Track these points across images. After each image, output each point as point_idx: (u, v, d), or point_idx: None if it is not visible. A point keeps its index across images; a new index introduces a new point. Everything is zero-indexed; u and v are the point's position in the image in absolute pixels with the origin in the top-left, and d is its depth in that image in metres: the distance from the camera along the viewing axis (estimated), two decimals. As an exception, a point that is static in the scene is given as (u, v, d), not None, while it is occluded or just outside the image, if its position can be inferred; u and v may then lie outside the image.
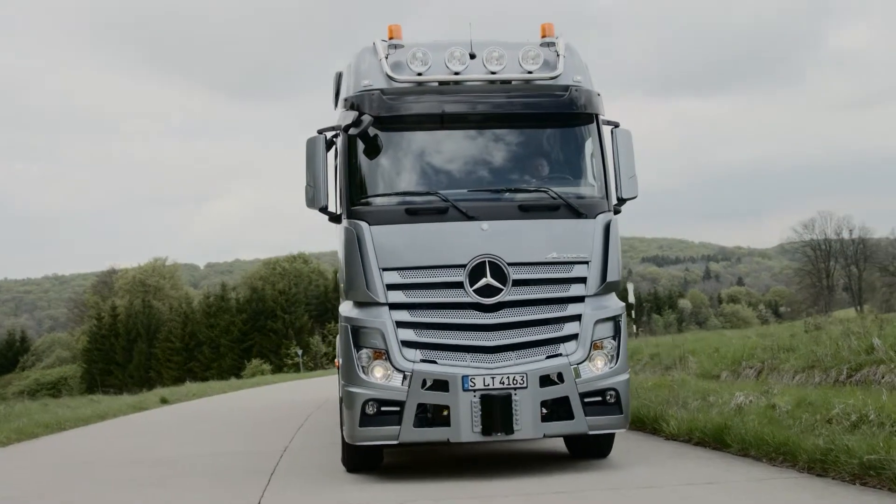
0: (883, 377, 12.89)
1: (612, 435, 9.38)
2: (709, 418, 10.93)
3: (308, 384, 41.07)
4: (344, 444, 9.34)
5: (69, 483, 10.26)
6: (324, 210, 9.19)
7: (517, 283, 8.69)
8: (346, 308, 9.03)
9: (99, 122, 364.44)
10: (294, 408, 22.26)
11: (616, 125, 9.42)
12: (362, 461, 9.41)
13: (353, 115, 8.95)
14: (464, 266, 8.66)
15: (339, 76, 10.39)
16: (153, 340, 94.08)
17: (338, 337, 9.42)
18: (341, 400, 9.18)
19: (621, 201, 9.30)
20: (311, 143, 9.21)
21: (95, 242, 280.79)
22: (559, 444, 10.27)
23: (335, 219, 9.22)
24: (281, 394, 31.42)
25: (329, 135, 9.28)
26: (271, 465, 10.62)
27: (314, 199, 9.11)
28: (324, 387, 35.96)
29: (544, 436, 8.66)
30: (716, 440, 10.09)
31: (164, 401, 27.63)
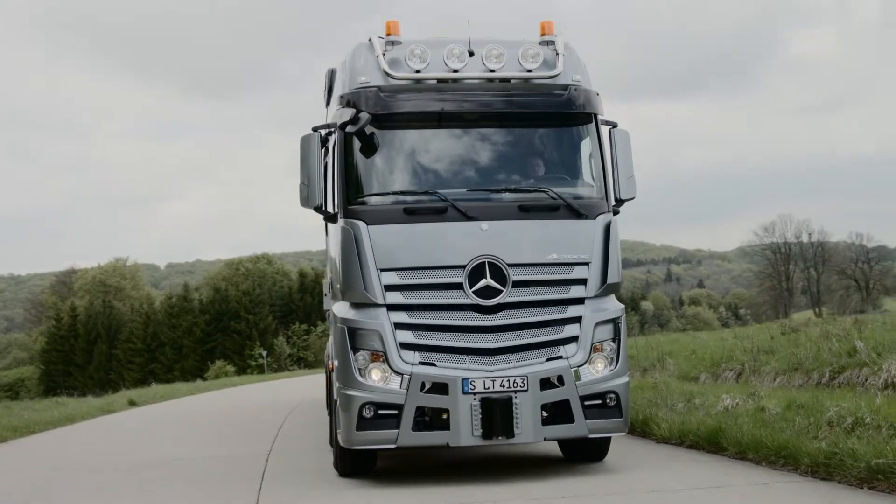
0: (866, 380, 12.96)
1: (609, 438, 9.28)
2: (701, 421, 10.87)
3: (276, 386, 40.69)
4: (337, 447, 9.15)
5: (48, 490, 9.96)
6: (318, 209, 9.00)
7: (517, 284, 8.56)
8: (341, 309, 8.84)
9: (56, 121, 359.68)
10: (267, 410, 21.97)
11: (614, 125, 9.33)
12: (356, 465, 9.22)
13: (350, 112, 8.76)
14: (463, 267, 8.51)
15: (332, 73, 10.21)
16: (114, 341, 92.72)
17: (330, 338, 9.22)
18: (335, 403, 8.99)
19: (619, 202, 9.21)
20: (305, 141, 9.02)
21: (52, 242, 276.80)
22: (552, 447, 10.15)
23: (330, 218, 9.03)
24: (251, 396, 31.04)
25: (323, 132, 9.09)
26: (258, 469, 10.41)
27: (308, 197, 8.92)
28: (294, 388, 35.65)
29: (544, 439, 8.53)
30: (710, 443, 10.03)
31: (132, 403, 27.18)
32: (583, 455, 9.59)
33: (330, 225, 9.25)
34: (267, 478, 9.60)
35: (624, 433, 8.99)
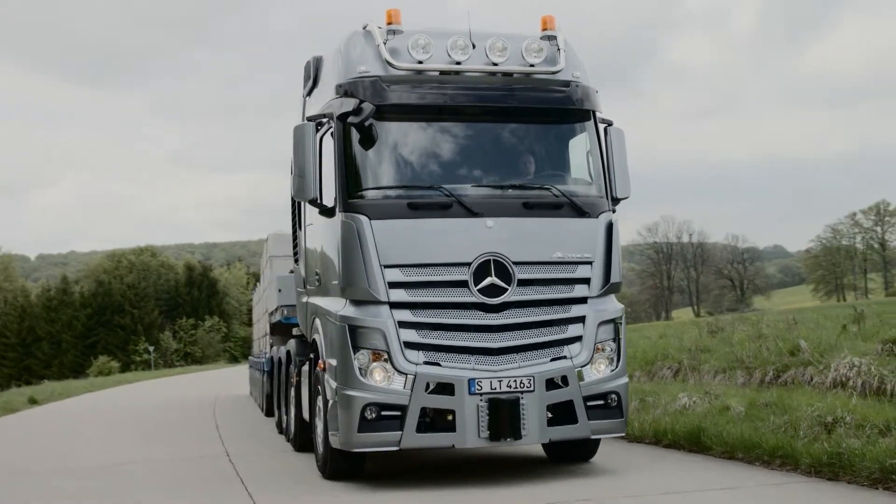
0: (812, 378, 13.27)
1: (599, 439, 9.20)
2: (675, 420, 10.95)
3: (175, 383, 39.66)
4: (326, 449, 8.81)
5: (12, 497, 9.28)
6: (313, 202, 8.65)
7: (522, 282, 8.39)
8: (337, 306, 8.51)
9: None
10: (186, 409, 21.32)
11: (610, 123, 9.27)
12: (345, 468, 8.89)
13: (351, 102, 8.44)
14: (468, 264, 8.30)
15: (318, 61, 9.81)
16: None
17: (324, 336, 8.85)
18: (327, 404, 8.64)
19: (615, 201, 9.16)
20: (298, 131, 8.67)
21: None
22: (532, 449, 10.03)
23: (327, 212, 8.67)
24: (156, 393, 30.09)
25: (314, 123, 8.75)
26: (229, 472, 9.97)
27: (303, 190, 8.58)
28: (197, 385, 34.79)
29: (549, 440, 8.40)
30: (691, 443, 10.09)
31: (33, 401, 25.92)
32: (568, 455, 9.49)
33: (322, 218, 8.87)
34: (247, 482, 9.16)
35: (623, 434, 8.95)
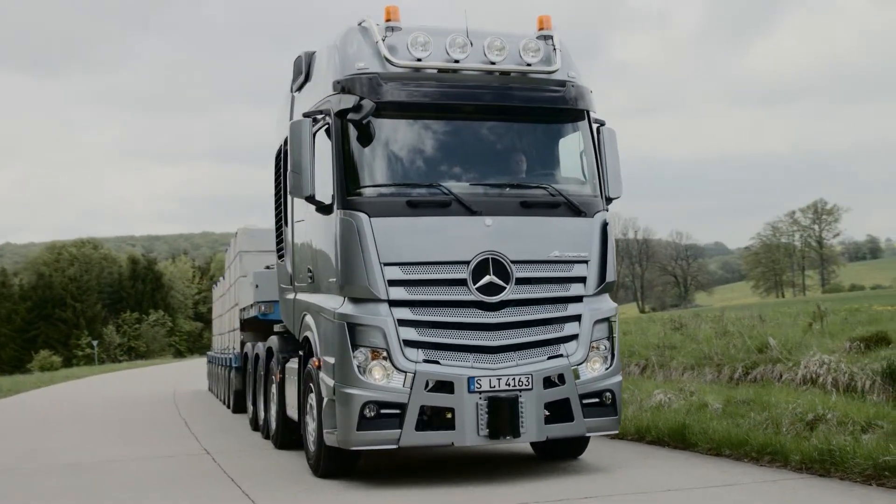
0: (781, 375, 13.54)
1: (589, 436, 9.26)
2: (658, 417, 11.09)
3: (125, 378, 39.13)
4: (321, 448, 8.76)
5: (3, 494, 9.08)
6: (310, 199, 8.59)
7: (520, 281, 8.43)
8: (334, 303, 8.46)
9: None
10: (145, 404, 21.08)
11: (602, 123, 9.34)
12: (339, 466, 8.85)
13: (351, 99, 8.39)
14: (467, 263, 8.31)
15: (310, 57, 9.73)
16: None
17: (319, 333, 8.80)
18: (321, 401, 8.59)
19: (608, 200, 9.24)
20: (296, 127, 8.60)
21: None
22: (521, 447, 10.07)
23: (323, 209, 8.62)
24: (108, 389, 29.64)
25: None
26: (214, 470, 9.87)
27: (299, 187, 8.52)
28: (150, 380, 34.32)
29: (547, 438, 8.45)
30: (676, 440, 10.23)
31: (-18, 397, 25.33)
32: (558, 452, 9.55)
33: (316, 214, 8.81)
34: (238, 480, 9.07)
35: (617, 431, 9.05)
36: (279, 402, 11.03)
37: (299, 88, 10.05)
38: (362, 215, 8.24)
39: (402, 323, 8.17)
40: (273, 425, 11.69)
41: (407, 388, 8.08)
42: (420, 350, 8.18)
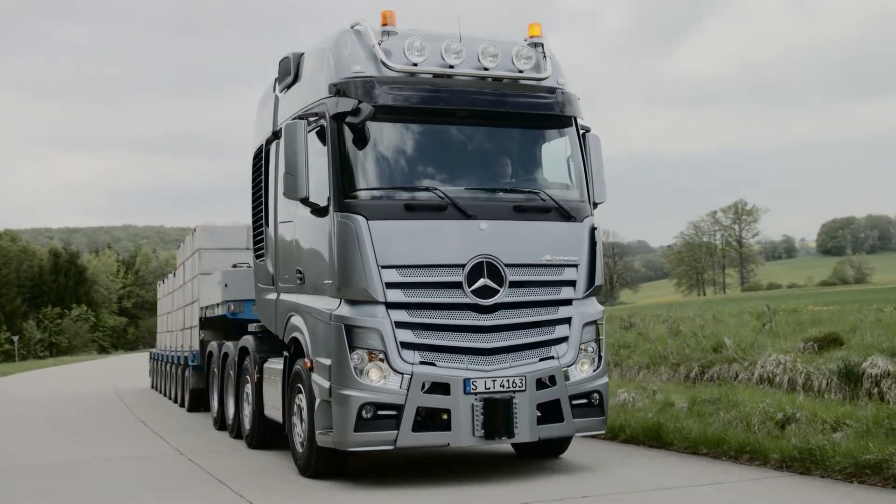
0: (738, 375, 13.96)
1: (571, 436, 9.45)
2: (630, 416, 11.36)
3: (56, 375, 38.32)
4: (312, 448, 8.79)
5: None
6: (305, 201, 8.62)
7: (513, 284, 8.59)
8: (330, 305, 8.49)
9: None
10: (92, 403, 20.72)
11: (587, 130, 9.55)
12: (329, 467, 8.90)
13: (347, 102, 8.44)
14: (462, 266, 8.44)
15: (299, 57, 9.72)
16: None
17: (311, 334, 8.82)
18: (313, 402, 8.62)
19: (594, 205, 9.45)
20: (290, 129, 8.63)
21: None
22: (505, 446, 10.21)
23: (318, 211, 8.65)
24: (44, 387, 28.99)
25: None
26: (196, 472, 9.81)
27: (294, 188, 8.54)
28: (83, 377, 33.61)
29: (539, 438, 8.63)
30: (651, 438, 10.51)
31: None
32: (538, 452, 9.72)
33: (307, 216, 8.83)
34: (226, 481, 9.04)
35: (603, 431, 9.27)
36: (257, 402, 10.99)
37: (285, 89, 10.03)
38: (360, 218, 8.31)
39: (399, 325, 8.26)
40: (247, 425, 11.65)
41: (404, 389, 8.17)
42: (416, 352, 8.28)
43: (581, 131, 9.50)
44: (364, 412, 8.14)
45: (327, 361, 8.41)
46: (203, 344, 15.43)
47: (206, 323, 15.38)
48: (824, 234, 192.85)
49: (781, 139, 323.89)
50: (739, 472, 8.61)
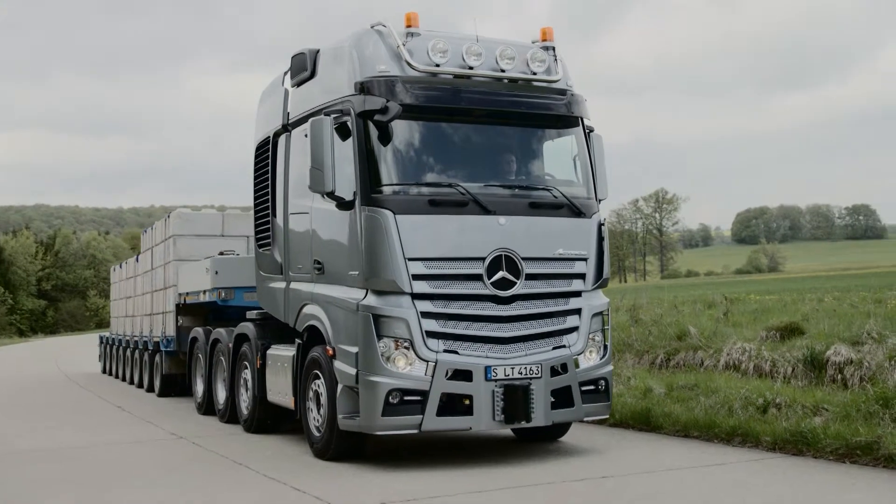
0: (703, 362, 14.67)
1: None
2: (616, 402, 11.92)
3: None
4: (331, 432, 9.14)
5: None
6: (331, 195, 8.94)
7: (529, 276, 9.06)
8: (356, 295, 8.84)
9: None
10: (50, 386, 20.53)
11: (592, 130, 10.06)
12: (348, 449, 9.27)
13: (374, 100, 8.78)
14: (483, 259, 8.88)
15: (315, 54, 9.99)
16: None
17: (332, 323, 9.16)
18: (334, 388, 8.96)
19: (598, 202, 9.97)
20: (316, 125, 8.93)
21: None
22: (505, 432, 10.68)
23: (344, 204, 8.98)
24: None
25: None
26: (209, 455, 10.06)
27: (321, 182, 8.87)
28: (19, 362, 33.00)
29: (553, 422, 9.14)
30: (641, 423, 11.10)
31: None
32: (536, 436, 10.24)
33: (328, 208, 9.16)
34: (245, 463, 9.33)
35: (608, 416, 9.83)
36: (259, 388, 11.24)
37: (299, 84, 10.29)
38: (388, 212, 8.67)
39: (425, 315, 8.67)
40: (244, 410, 11.90)
41: (429, 376, 8.59)
42: (440, 341, 8.70)
43: (587, 131, 10.00)
44: (391, 397, 8.53)
45: (353, 349, 8.77)
46: (182, 330, 15.55)
47: (185, 309, 15.50)
48: (739, 224, 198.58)
49: (698, 130, 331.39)
50: (736, 453, 9.24)
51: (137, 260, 20.17)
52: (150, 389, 17.94)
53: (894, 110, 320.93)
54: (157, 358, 17.22)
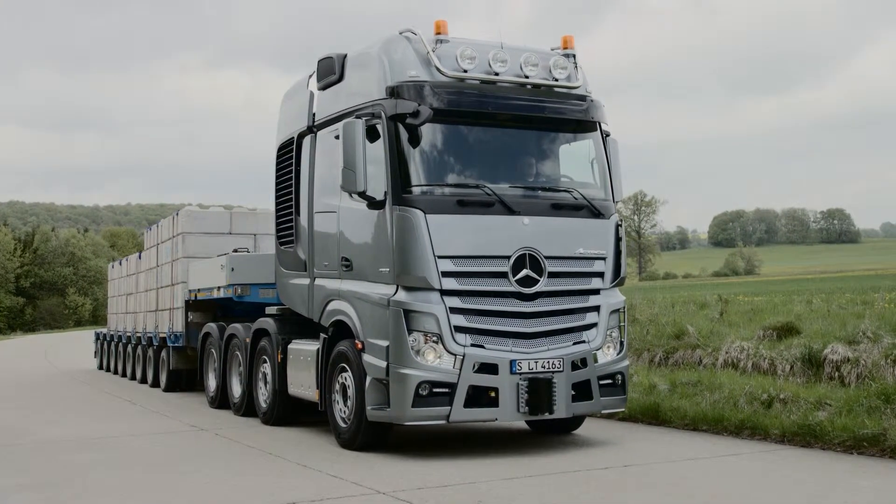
0: (701, 360, 15.13)
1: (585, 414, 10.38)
2: (630, 397, 12.34)
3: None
4: (359, 422, 9.48)
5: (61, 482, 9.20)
6: (362, 195, 9.30)
7: (551, 275, 9.46)
8: (386, 291, 9.20)
9: None
10: (53, 382, 20.71)
11: (608, 134, 10.47)
12: (375, 439, 9.63)
13: (406, 104, 9.15)
14: (508, 257, 9.27)
15: (342, 58, 10.33)
16: None
17: (360, 318, 9.51)
18: (363, 380, 9.30)
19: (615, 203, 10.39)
20: (349, 127, 9.27)
21: None
22: (519, 424, 11.07)
23: (374, 204, 9.33)
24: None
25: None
26: (237, 446, 10.37)
27: (353, 182, 9.21)
28: (5, 359, 33.03)
29: (573, 415, 9.54)
30: (650, 417, 11.52)
31: None
32: (551, 428, 10.65)
33: (360, 207, 9.51)
34: (278, 453, 9.66)
35: (624, 409, 10.26)
36: (280, 382, 11.54)
37: (325, 87, 10.63)
38: (418, 212, 9.04)
39: (453, 310, 9.06)
40: (263, 404, 12.21)
41: (457, 369, 8.97)
42: (468, 335, 9.09)
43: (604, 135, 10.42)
44: (421, 389, 8.91)
45: (383, 343, 9.13)
46: (192, 325, 15.83)
47: (195, 305, 15.78)
48: (716, 227, 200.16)
49: (675, 133, 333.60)
50: (747, 445, 9.67)
51: (140, 257, 20.39)
52: (155, 385, 18.18)
53: (868, 114, 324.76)
54: (164, 353, 17.48)
